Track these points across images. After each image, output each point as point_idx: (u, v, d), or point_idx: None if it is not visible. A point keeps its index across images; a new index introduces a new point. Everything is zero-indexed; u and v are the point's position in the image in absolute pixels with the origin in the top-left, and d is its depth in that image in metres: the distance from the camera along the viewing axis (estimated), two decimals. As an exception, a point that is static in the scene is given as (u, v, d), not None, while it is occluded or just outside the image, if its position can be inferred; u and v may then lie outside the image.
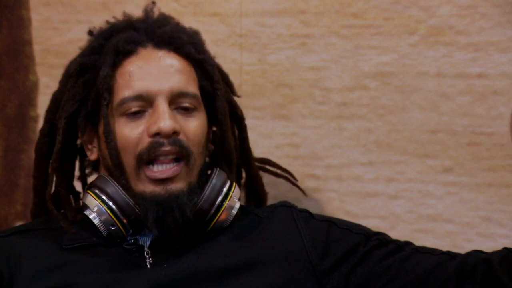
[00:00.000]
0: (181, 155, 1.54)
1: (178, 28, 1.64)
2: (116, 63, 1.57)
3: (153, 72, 1.55)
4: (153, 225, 1.52)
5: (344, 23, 1.90)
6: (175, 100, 1.56)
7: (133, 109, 1.54)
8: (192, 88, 1.58)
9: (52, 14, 2.14)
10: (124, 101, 1.54)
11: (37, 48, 2.17)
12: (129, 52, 1.57)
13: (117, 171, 1.54)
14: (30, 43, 2.18)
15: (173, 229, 1.53)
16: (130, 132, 1.54)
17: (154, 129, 1.52)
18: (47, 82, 2.15)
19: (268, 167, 1.87)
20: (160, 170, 1.53)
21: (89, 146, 1.63)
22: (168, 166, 1.53)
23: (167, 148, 1.53)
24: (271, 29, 1.96)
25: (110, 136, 1.54)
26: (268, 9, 1.96)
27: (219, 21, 2.00)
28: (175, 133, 1.53)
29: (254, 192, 1.78)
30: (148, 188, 1.53)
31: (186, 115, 1.57)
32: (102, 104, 1.56)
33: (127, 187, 1.54)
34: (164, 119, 1.52)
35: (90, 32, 1.65)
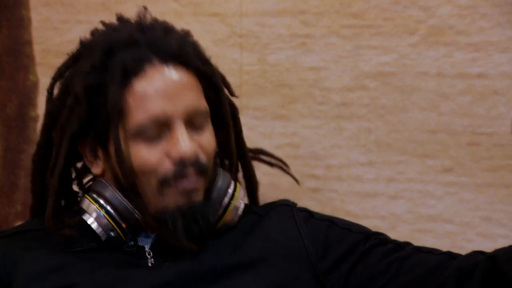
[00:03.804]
0: (202, 173, 1.54)
1: (180, 39, 1.59)
2: (125, 84, 1.52)
3: (166, 92, 1.52)
4: (183, 235, 1.52)
5: (344, 23, 1.90)
6: (190, 119, 1.54)
7: (151, 133, 1.52)
8: (203, 102, 1.57)
9: (52, 14, 2.14)
10: (141, 127, 1.51)
11: (37, 48, 2.17)
12: (137, 71, 1.53)
13: (133, 194, 1.53)
14: (30, 43, 2.18)
15: (199, 238, 1.53)
16: (149, 155, 1.52)
17: (177, 155, 1.51)
18: (47, 82, 2.13)
19: (262, 156, 1.86)
20: (184, 181, 1.53)
21: (91, 159, 1.61)
22: (191, 178, 1.54)
23: (191, 173, 1.52)
24: (271, 29, 1.96)
25: (124, 161, 1.51)
26: (268, 9, 1.96)
27: (219, 21, 2.00)
28: (196, 154, 1.53)
29: (247, 183, 1.77)
30: (171, 201, 1.52)
31: (198, 130, 1.55)
32: (112, 127, 1.53)
33: (143, 207, 1.53)
34: (186, 144, 1.51)
35: (82, 43, 1.61)
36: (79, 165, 1.68)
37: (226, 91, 1.68)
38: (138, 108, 1.52)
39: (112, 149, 1.55)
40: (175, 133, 1.52)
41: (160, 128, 1.52)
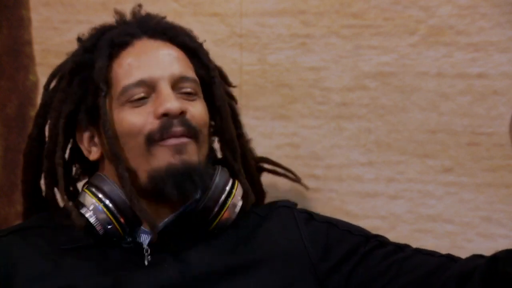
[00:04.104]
0: (190, 134, 1.54)
1: (169, 21, 1.65)
2: (113, 55, 1.57)
3: (152, 61, 1.56)
4: (174, 192, 1.51)
5: (344, 23, 1.90)
6: (177, 85, 1.56)
7: (136, 96, 1.54)
8: (192, 73, 1.60)
9: (52, 14, 2.14)
10: (125, 88, 1.54)
11: (37, 48, 2.17)
12: (125, 43, 1.58)
13: (114, 161, 1.53)
14: (30, 43, 2.18)
15: (192, 194, 1.53)
16: (136, 118, 1.54)
17: (161, 110, 1.52)
18: (47, 82, 2.15)
19: (267, 166, 1.87)
20: (173, 139, 1.54)
21: (88, 147, 1.62)
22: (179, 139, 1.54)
23: (177, 128, 1.53)
24: (271, 29, 1.96)
25: (107, 125, 1.53)
26: (268, 9, 1.96)
27: (219, 21, 2.00)
28: (182, 113, 1.53)
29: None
30: (163, 161, 1.52)
31: (188, 100, 1.57)
32: (100, 96, 1.55)
33: (130, 178, 1.53)
34: (170, 100, 1.53)
35: (79, 39, 1.65)
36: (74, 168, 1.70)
37: (219, 80, 1.68)
38: (125, 75, 1.55)
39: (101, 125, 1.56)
40: (160, 93, 1.54)
41: (147, 92, 1.54)
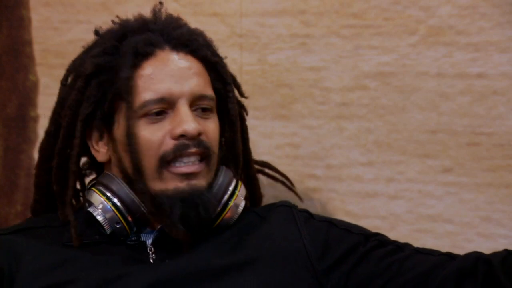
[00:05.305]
0: (204, 155, 1.55)
1: (192, 30, 1.65)
2: (136, 65, 1.56)
3: (173, 74, 1.56)
4: (179, 221, 1.52)
5: (344, 23, 1.90)
6: (195, 103, 1.57)
7: (155, 111, 1.54)
8: (210, 90, 1.60)
9: (52, 14, 2.14)
10: (145, 104, 1.54)
11: (37, 48, 2.17)
12: (148, 54, 1.57)
13: (136, 174, 1.54)
14: (30, 43, 2.18)
15: (196, 225, 1.53)
16: (152, 135, 1.54)
17: (179, 131, 1.53)
18: (47, 82, 2.15)
19: (267, 170, 1.87)
20: (184, 165, 1.54)
21: (96, 147, 1.62)
22: (191, 162, 1.54)
23: (192, 150, 1.54)
24: (271, 29, 1.96)
25: (132, 139, 1.53)
26: (268, 9, 1.96)
27: (219, 21, 2.00)
28: (199, 134, 1.54)
29: (250, 193, 1.78)
30: (170, 185, 1.53)
31: (204, 117, 1.58)
32: (120, 106, 1.55)
33: (144, 190, 1.54)
34: (188, 121, 1.53)
35: (97, 32, 1.64)
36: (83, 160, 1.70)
37: (235, 91, 1.69)
38: (145, 88, 1.55)
39: (117, 132, 1.57)
40: (179, 113, 1.55)
41: (165, 108, 1.55)
